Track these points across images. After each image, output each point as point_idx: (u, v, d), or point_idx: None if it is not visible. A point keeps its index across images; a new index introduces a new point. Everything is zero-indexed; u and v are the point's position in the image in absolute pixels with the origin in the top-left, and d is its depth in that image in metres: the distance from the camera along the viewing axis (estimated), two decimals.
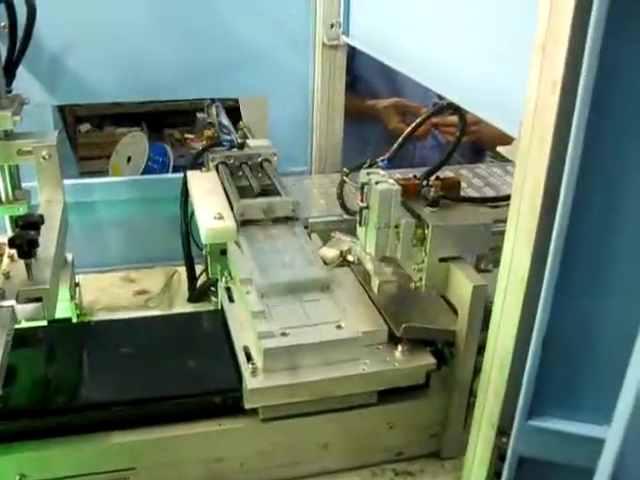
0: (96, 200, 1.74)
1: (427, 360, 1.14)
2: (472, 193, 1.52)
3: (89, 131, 4.52)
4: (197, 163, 1.61)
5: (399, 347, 1.14)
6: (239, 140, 1.57)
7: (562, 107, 0.74)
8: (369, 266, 1.16)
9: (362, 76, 2.05)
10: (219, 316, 1.29)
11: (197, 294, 1.60)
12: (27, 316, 1.06)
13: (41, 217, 1.09)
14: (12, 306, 1.03)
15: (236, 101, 2.18)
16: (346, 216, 1.40)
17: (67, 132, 4.03)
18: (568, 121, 0.72)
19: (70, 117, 4.34)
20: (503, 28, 0.97)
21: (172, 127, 4.68)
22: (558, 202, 0.75)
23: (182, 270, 1.69)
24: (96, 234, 1.74)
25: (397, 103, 2.03)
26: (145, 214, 1.78)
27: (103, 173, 3.92)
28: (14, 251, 1.08)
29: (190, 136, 4.49)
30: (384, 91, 2.10)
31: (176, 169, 4.00)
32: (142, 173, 3.83)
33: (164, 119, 4.65)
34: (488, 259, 1.25)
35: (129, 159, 3.99)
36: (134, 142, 4.07)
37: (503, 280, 0.90)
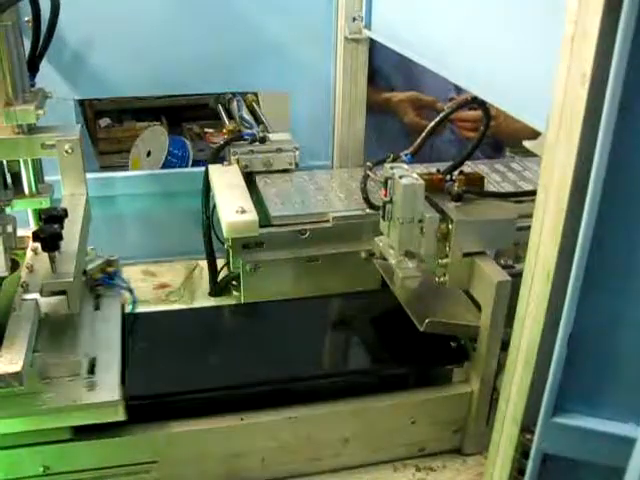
0: (117, 194, 1.74)
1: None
2: (491, 188, 1.51)
3: (109, 125, 4.54)
4: (218, 157, 1.62)
5: None
6: (260, 134, 1.57)
7: (591, 100, 0.73)
8: (392, 260, 1.16)
9: (379, 69, 2.04)
10: None
11: (219, 288, 1.60)
12: (51, 309, 1.07)
13: (65, 211, 1.09)
14: (36, 299, 1.03)
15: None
16: (369, 210, 1.40)
17: (87, 126, 4.05)
18: (597, 114, 0.71)
19: (90, 111, 4.36)
20: (530, 19, 0.96)
21: (191, 121, 4.69)
22: (586, 197, 0.74)
23: (202, 264, 1.69)
24: (117, 227, 1.75)
25: (412, 97, 2.01)
26: (165, 208, 1.78)
27: (123, 167, 3.94)
28: (38, 244, 1.08)
29: (209, 130, 4.51)
30: (401, 84, 2.08)
31: (195, 163, 4.01)
32: (162, 167, 3.85)
33: (183, 113, 4.66)
34: (508, 254, 1.24)
35: (149, 153, 4.00)
36: (154, 136, 4.09)
37: (528, 276, 0.89)
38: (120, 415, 1.05)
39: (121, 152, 4.28)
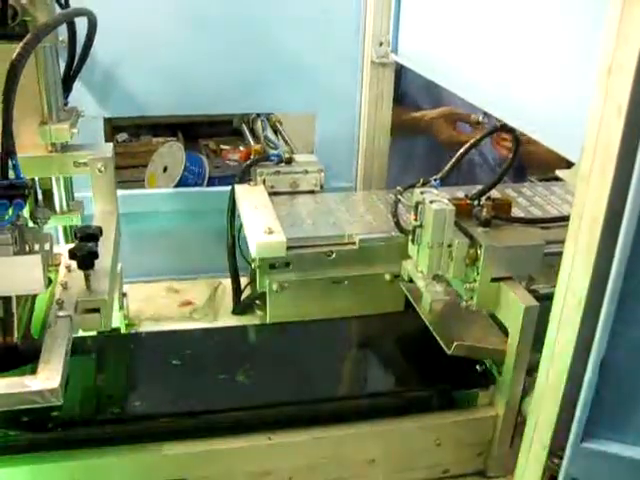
0: (142, 211, 1.76)
1: None
2: (517, 212, 1.52)
3: (126, 140, 4.57)
4: (243, 177, 1.64)
5: None
6: (287, 155, 1.59)
7: (627, 132, 0.74)
8: (421, 284, 1.17)
9: (406, 90, 2.05)
10: None
11: (242, 306, 1.61)
12: (85, 326, 1.09)
13: (100, 229, 1.11)
14: (70, 316, 1.05)
15: None
16: (394, 233, 1.41)
17: (105, 141, 4.07)
18: (632, 146, 0.73)
19: (107, 126, 4.37)
20: (565, 50, 0.97)
21: (207, 137, 4.71)
22: (620, 227, 0.75)
23: (225, 282, 1.71)
24: (140, 244, 1.76)
25: (446, 112, 2.02)
26: (189, 226, 1.81)
27: (139, 182, 3.96)
28: (71, 262, 1.10)
29: (226, 147, 4.53)
30: (428, 105, 2.09)
31: (211, 180, 4.03)
32: (178, 183, 3.86)
33: (200, 129, 4.69)
34: (537, 280, 1.25)
35: (165, 169, 4.02)
36: (171, 152, 4.10)
37: (559, 301, 0.90)
38: None
39: (137, 167, 4.31)
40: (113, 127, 4.49)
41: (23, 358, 1.00)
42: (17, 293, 0.99)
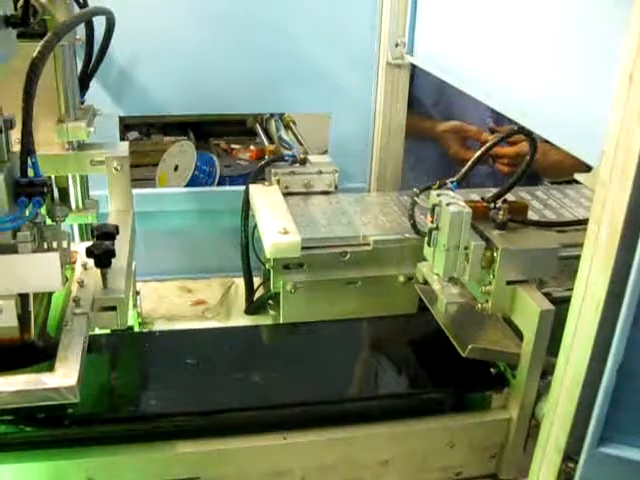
0: (155, 210, 1.76)
1: None
2: (532, 216, 1.52)
3: (137, 139, 4.59)
4: (257, 177, 1.64)
5: None
6: (301, 156, 1.59)
7: None
8: (436, 286, 1.17)
9: (417, 97, 2.04)
10: None
11: (255, 306, 1.61)
12: (101, 324, 1.09)
13: (116, 228, 1.11)
14: (87, 313, 1.05)
15: None
16: (408, 235, 1.41)
17: None
18: None
19: (119, 124, 4.38)
20: (585, 55, 0.97)
21: (218, 136, 4.72)
22: (639, 232, 0.75)
23: (237, 281, 1.71)
24: (153, 243, 1.77)
25: (456, 127, 2.01)
26: (203, 225, 1.81)
27: (149, 181, 3.97)
28: (87, 260, 1.10)
29: (236, 146, 4.54)
30: (438, 112, 2.09)
31: (221, 179, 4.03)
32: (188, 182, 3.87)
33: (210, 128, 4.70)
34: (548, 283, 1.26)
35: (176, 168, 4.03)
36: (182, 151, 4.11)
37: (576, 306, 0.90)
38: None
39: (147, 166, 4.32)
40: (124, 125, 4.50)
41: (40, 355, 1.00)
42: (35, 290, 0.99)
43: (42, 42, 0.98)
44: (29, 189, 0.94)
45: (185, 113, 1.74)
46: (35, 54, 0.96)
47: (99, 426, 1.10)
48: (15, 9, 0.95)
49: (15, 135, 0.99)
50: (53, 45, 1.00)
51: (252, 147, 4.24)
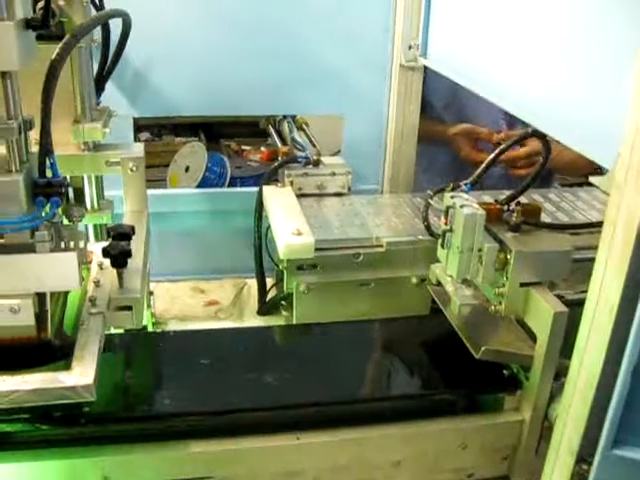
0: (169, 211, 1.77)
1: None
2: (544, 218, 1.53)
3: (148, 139, 4.60)
4: (270, 179, 1.64)
5: None
6: (315, 157, 1.60)
7: None
8: (449, 288, 1.18)
9: (430, 101, 2.04)
10: None
11: (267, 307, 1.62)
12: (116, 324, 1.10)
13: (132, 228, 1.12)
14: (103, 313, 1.06)
15: None
16: (421, 237, 1.42)
17: None
18: None
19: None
20: (600, 56, 0.97)
21: (229, 138, 4.73)
22: None
23: (250, 282, 1.72)
24: (166, 244, 1.78)
25: (468, 130, 2.01)
26: (216, 226, 1.82)
27: (160, 181, 3.98)
28: (103, 260, 1.11)
29: (247, 147, 4.55)
30: (450, 116, 2.09)
31: (232, 180, 4.04)
32: (199, 183, 3.89)
33: (221, 129, 4.71)
34: (559, 285, 1.26)
35: (187, 168, 4.04)
36: (193, 152, 4.13)
37: (590, 309, 0.90)
38: None
39: (158, 166, 4.33)
40: (136, 126, 4.51)
41: (56, 354, 1.01)
42: (53, 290, 1.00)
43: (61, 44, 0.99)
44: (47, 189, 0.95)
45: (198, 114, 1.75)
46: (54, 56, 0.97)
47: (114, 425, 1.11)
48: (34, 12, 0.96)
49: (32, 136, 1.00)
50: (72, 47, 1.01)
51: (263, 148, 4.25)
